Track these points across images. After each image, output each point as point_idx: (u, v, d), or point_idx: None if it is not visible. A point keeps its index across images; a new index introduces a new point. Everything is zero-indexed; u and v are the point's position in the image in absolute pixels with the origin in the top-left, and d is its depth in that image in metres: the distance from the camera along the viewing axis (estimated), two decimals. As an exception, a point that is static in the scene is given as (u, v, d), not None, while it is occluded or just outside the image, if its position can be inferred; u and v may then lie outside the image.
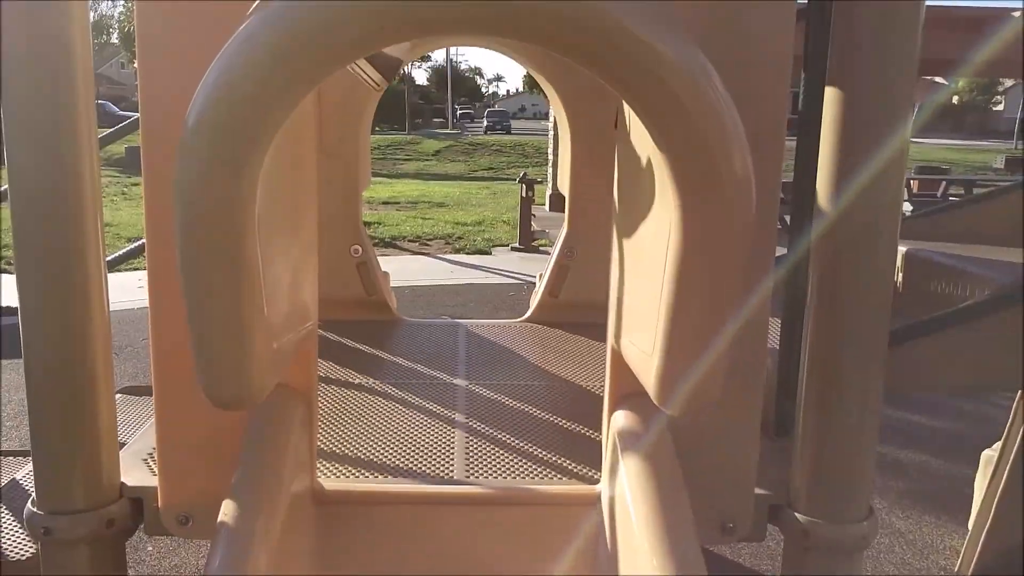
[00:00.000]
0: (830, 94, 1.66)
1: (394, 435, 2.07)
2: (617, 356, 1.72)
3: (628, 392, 1.71)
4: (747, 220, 1.24)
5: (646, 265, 1.42)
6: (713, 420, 1.70)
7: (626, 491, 1.58)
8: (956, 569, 3.21)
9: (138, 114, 3.14)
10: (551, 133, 7.65)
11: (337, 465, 1.92)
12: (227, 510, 1.48)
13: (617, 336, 1.71)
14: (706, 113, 1.15)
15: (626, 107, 1.59)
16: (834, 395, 1.68)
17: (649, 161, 1.39)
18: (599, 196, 2.82)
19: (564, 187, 3.11)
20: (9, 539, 1.92)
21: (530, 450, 1.95)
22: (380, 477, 1.86)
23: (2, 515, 2.05)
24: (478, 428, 2.15)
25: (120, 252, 2.89)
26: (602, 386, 2.40)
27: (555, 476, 1.88)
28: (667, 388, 1.34)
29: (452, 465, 1.94)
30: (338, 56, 1.12)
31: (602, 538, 1.67)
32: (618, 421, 1.70)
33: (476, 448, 2.05)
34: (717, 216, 1.21)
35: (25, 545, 1.89)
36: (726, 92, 1.15)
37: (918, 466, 4.16)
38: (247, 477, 1.53)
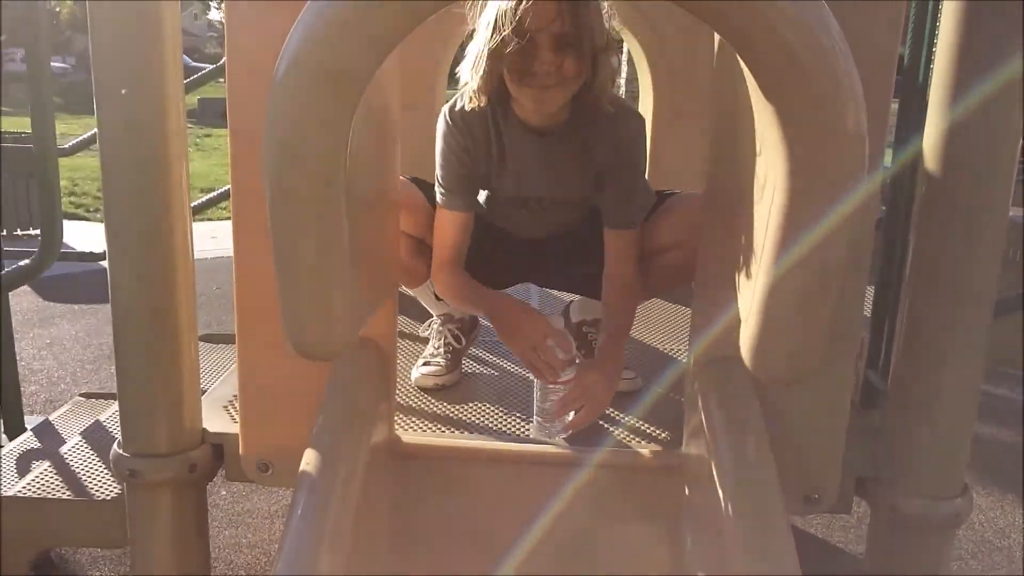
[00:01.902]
0: (941, 55, 1.57)
1: (472, 392, 2.05)
2: (704, 317, 1.67)
3: (714, 356, 1.66)
4: (856, 178, 1.18)
5: (744, 221, 1.36)
6: (803, 387, 1.64)
7: (710, 458, 1.54)
8: (1039, 549, 3.11)
9: (212, 66, 3.15)
10: (623, 90, 7.50)
11: (415, 419, 1.91)
12: (308, 459, 1.48)
13: (706, 296, 1.66)
14: (820, 65, 1.09)
15: (720, 54, 1.52)
16: (933, 366, 1.61)
17: (750, 114, 1.33)
18: (681, 152, 2.75)
19: None
20: (94, 479, 1.98)
21: (609, 412, 1.91)
22: (457, 433, 1.85)
23: (88, 455, 2.10)
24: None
25: (200, 200, 2.92)
26: (682, 349, 2.35)
27: (634, 439, 1.85)
28: (762, 354, 1.29)
29: (530, 425, 1.92)
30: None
31: (684, 506, 1.64)
32: (703, 385, 1.65)
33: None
34: (826, 173, 1.14)
35: (110, 485, 1.94)
36: (845, 45, 1.08)
37: (1003, 442, 4.03)
38: (328, 427, 1.53)
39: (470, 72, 1.75)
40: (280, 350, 1.66)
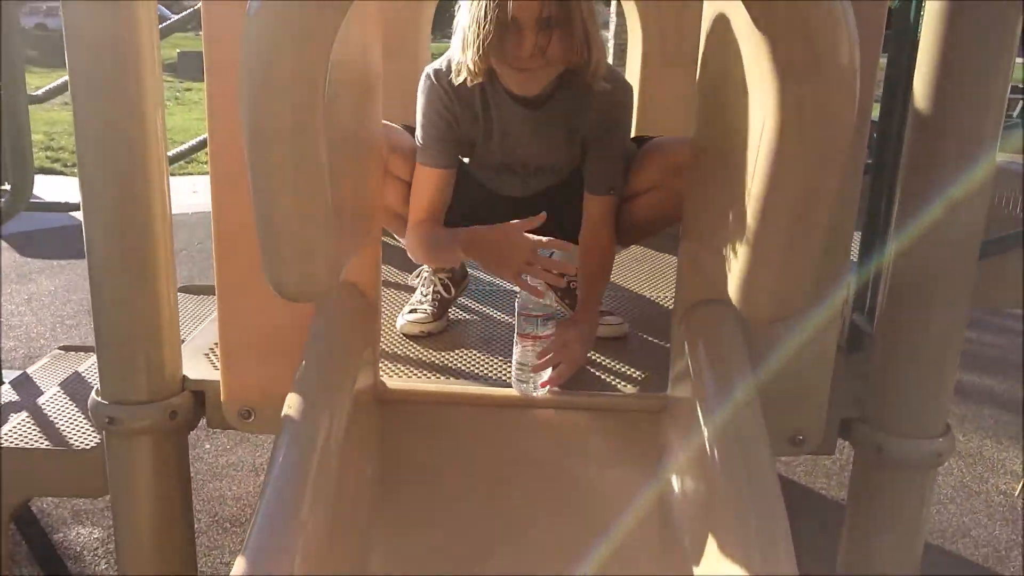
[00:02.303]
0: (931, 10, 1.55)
1: (457, 339, 2.04)
2: (690, 261, 1.66)
3: (700, 299, 1.65)
4: (848, 113, 1.16)
5: (732, 162, 1.34)
6: (789, 327, 1.63)
7: (695, 399, 1.53)
8: (1016, 492, 3.15)
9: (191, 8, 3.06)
10: (611, 43, 7.42)
11: (400, 366, 1.90)
12: (291, 403, 1.46)
13: (693, 239, 1.64)
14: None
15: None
16: (919, 308, 1.60)
17: (740, 59, 1.30)
18: (670, 100, 2.72)
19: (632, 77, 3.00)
20: (73, 429, 1.95)
21: (593, 357, 1.90)
22: (442, 379, 1.84)
23: (66, 405, 2.07)
24: (539, 334, 2.11)
25: (179, 149, 2.86)
26: (668, 297, 2.34)
27: (619, 383, 1.84)
28: (750, 293, 1.28)
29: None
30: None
31: (668, 448, 1.64)
32: (688, 328, 1.64)
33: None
34: (817, 106, 1.12)
35: (89, 435, 1.91)
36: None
37: (983, 389, 4.08)
38: (311, 371, 1.51)
39: (460, 52, 1.75)
40: (260, 295, 1.63)
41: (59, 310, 4.68)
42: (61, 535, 2.81)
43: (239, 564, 1.24)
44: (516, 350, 1.70)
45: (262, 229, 1.27)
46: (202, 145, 3.13)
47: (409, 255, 1.99)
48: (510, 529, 1.59)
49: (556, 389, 1.71)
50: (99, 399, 1.66)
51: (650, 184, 1.87)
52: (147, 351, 1.67)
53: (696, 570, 1.39)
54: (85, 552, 2.73)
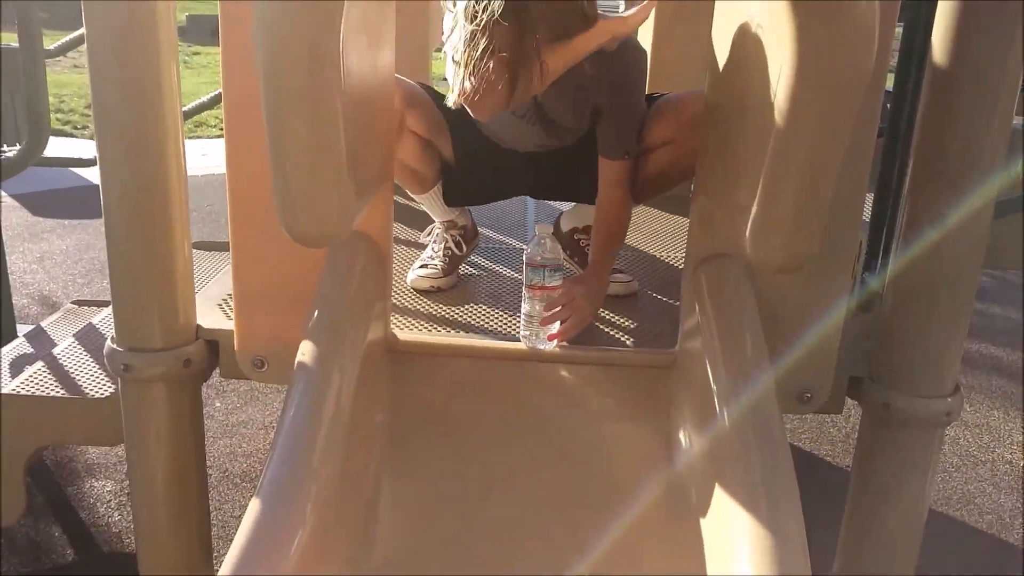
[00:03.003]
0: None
1: (466, 294, 2.05)
2: (702, 216, 1.66)
3: (710, 254, 1.66)
4: (865, 58, 1.16)
5: (747, 115, 1.34)
6: (799, 283, 1.64)
7: (704, 354, 1.54)
8: (1023, 462, 3.16)
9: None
10: (621, 7, 7.30)
11: (410, 319, 1.91)
12: (304, 352, 1.48)
13: (706, 193, 1.64)
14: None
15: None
16: (931, 267, 1.60)
17: (757, 6, 1.30)
18: (682, 55, 2.71)
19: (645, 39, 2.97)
20: (88, 378, 1.97)
21: (603, 314, 1.91)
22: (451, 332, 1.85)
23: (81, 356, 2.10)
24: (549, 291, 2.12)
25: (192, 105, 2.87)
26: (675, 256, 2.35)
27: (628, 339, 1.85)
28: (763, 242, 1.29)
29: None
30: None
31: (677, 403, 1.65)
32: (699, 282, 1.65)
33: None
34: (835, 49, 1.12)
35: (104, 385, 1.94)
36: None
37: (991, 360, 4.08)
38: (323, 321, 1.53)
39: (453, 78, 1.73)
40: (274, 246, 1.66)
41: (71, 268, 4.71)
42: (75, 487, 2.85)
43: (252, 508, 1.27)
44: (524, 302, 1.72)
45: (278, 175, 1.28)
46: (215, 102, 3.13)
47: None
48: (516, 480, 1.61)
49: (564, 344, 1.72)
50: (115, 347, 1.68)
51: (663, 139, 1.86)
52: (161, 300, 1.69)
53: (704, 524, 1.40)
54: (99, 504, 2.77)
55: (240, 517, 2.69)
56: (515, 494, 1.58)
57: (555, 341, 1.72)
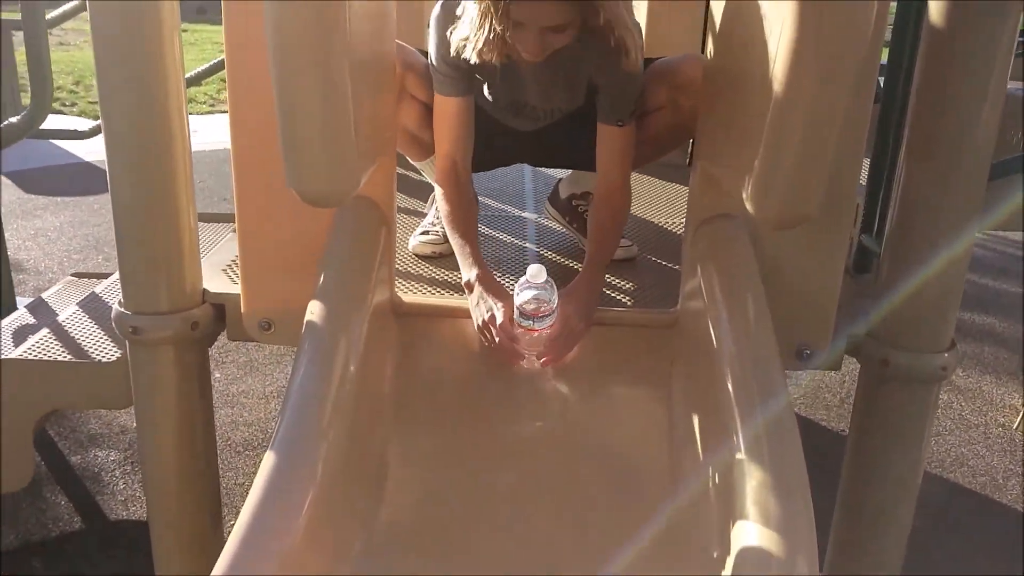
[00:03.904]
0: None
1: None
2: (703, 178, 1.68)
3: (711, 215, 1.68)
4: (864, 22, 1.18)
5: (748, 78, 1.36)
6: (799, 243, 1.66)
7: (706, 313, 1.57)
8: (1015, 425, 3.21)
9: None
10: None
11: (412, 284, 1.93)
12: (313, 311, 1.50)
13: (706, 156, 1.66)
14: None
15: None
16: (928, 225, 1.63)
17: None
18: (678, 29, 2.72)
19: (640, 11, 2.97)
20: (94, 344, 1.99)
21: (606, 278, 1.93)
22: (454, 295, 1.87)
23: (86, 322, 2.11)
24: (549, 257, 2.14)
25: (195, 71, 2.87)
26: (673, 223, 2.37)
27: (628, 300, 1.87)
28: (765, 197, 1.31)
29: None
30: None
31: (678, 362, 1.67)
32: (699, 243, 1.67)
33: (550, 273, 2.04)
34: (835, 16, 1.14)
35: (110, 349, 1.95)
36: None
37: (983, 327, 4.13)
38: (331, 281, 1.55)
39: (460, 38, 1.71)
40: (279, 206, 1.67)
41: (66, 244, 4.71)
42: (79, 457, 2.88)
43: (265, 466, 1.28)
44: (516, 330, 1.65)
45: (286, 138, 1.30)
46: (210, 72, 3.13)
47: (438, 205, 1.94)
48: (520, 439, 1.63)
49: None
50: (122, 310, 1.70)
51: (659, 103, 1.87)
52: (168, 264, 1.71)
53: (709, 489, 1.42)
54: (103, 473, 2.80)
55: (243, 485, 2.75)
56: (519, 453, 1.60)
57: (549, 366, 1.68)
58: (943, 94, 1.59)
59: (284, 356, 3.61)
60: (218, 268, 1.94)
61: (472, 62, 1.73)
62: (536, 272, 1.58)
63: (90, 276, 2.96)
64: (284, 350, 3.66)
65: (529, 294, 1.58)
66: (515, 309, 1.60)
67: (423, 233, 2.11)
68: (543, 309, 1.59)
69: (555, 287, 1.61)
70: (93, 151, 6.02)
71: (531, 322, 1.60)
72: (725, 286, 1.57)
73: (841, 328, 1.74)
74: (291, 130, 1.28)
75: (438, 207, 2.09)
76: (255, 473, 2.78)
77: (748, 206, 1.34)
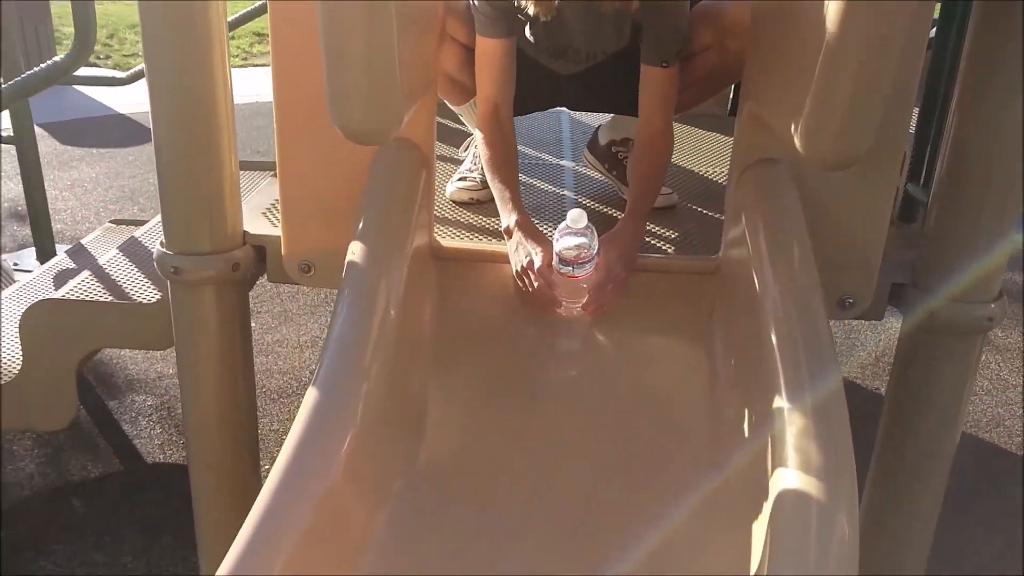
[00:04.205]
0: None
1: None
2: (749, 120, 1.65)
3: (756, 159, 1.65)
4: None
5: (800, 13, 1.32)
6: (845, 189, 1.63)
7: (750, 259, 1.55)
8: (1053, 385, 3.17)
9: None
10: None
11: (449, 229, 1.93)
12: (354, 253, 1.50)
13: (753, 98, 1.63)
14: None
15: None
16: (979, 173, 1.59)
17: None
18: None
19: None
20: (135, 286, 2.01)
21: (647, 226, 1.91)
22: (492, 241, 1.86)
23: (127, 265, 2.13)
24: (588, 204, 2.13)
25: (236, 15, 2.85)
26: (713, 171, 2.34)
27: (668, 247, 1.86)
28: (816, 136, 1.28)
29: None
30: None
31: (718, 307, 1.66)
32: (743, 188, 1.65)
33: (588, 217, 2.02)
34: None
35: (151, 291, 1.97)
36: None
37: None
38: (372, 223, 1.54)
39: None
40: (320, 148, 1.67)
41: (102, 195, 4.75)
42: (117, 402, 2.93)
43: (306, 405, 1.29)
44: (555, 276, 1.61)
45: (333, 75, 1.28)
46: (251, 16, 3.12)
47: (479, 152, 1.93)
48: (557, 384, 1.63)
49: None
50: (164, 251, 1.71)
51: (704, 45, 1.83)
52: (210, 205, 1.71)
53: (745, 431, 1.41)
54: (140, 417, 2.85)
55: (278, 431, 2.78)
56: (556, 398, 1.61)
57: (581, 303, 1.64)
58: (999, 37, 1.54)
59: (318, 307, 3.64)
60: (258, 211, 1.94)
61: (516, 3, 1.70)
62: (577, 217, 1.55)
63: (128, 223, 2.99)
64: (318, 300, 3.68)
65: (570, 240, 1.55)
66: (555, 255, 1.58)
67: (460, 179, 2.10)
68: (583, 255, 1.55)
69: (596, 233, 1.58)
70: (128, 103, 6.04)
71: (571, 268, 1.57)
72: (770, 234, 1.54)
73: (885, 277, 1.71)
74: (336, 66, 1.27)
75: (478, 152, 2.08)
76: (289, 420, 2.83)
77: (798, 146, 1.31)
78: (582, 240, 1.55)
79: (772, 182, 1.62)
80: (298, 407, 2.84)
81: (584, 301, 1.64)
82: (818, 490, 1.16)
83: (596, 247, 1.57)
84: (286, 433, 2.44)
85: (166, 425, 2.80)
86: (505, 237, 1.72)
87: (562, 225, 1.56)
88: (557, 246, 1.56)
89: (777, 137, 1.46)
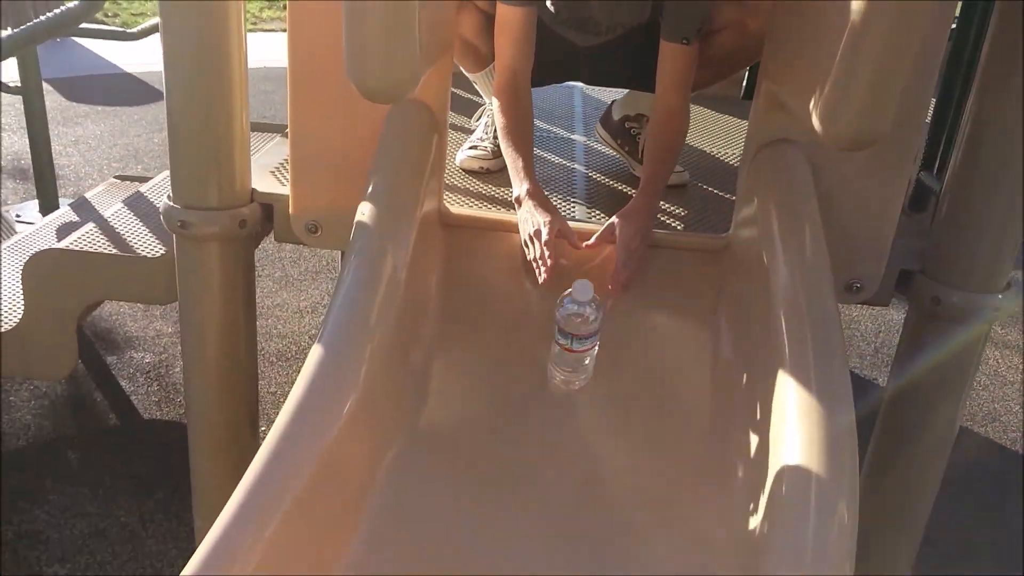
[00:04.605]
0: None
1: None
2: (767, 99, 1.64)
3: (772, 139, 1.64)
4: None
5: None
6: (859, 173, 1.62)
7: (760, 239, 1.54)
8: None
9: None
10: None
11: (458, 197, 1.92)
12: (363, 214, 1.49)
13: (772, 78, 1.62)
14: None
15: None
16: (994, 160, 1.59)
17: None
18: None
19: None
20: (140, 240, 2.00)
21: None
22: (502, 210, 1.85)
23: (131, 220, 2.12)
24: (599, 179, 2.12)
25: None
26: (725, 152, 2.33)
27: (677, 224, 1.85)
28: (837, 118, 1.27)
29: (574, 209, 1.92)
30: None
31: (726, 285, 1.65)
32: (757, 168, 1.64)
33: (598, 193, 2.02)
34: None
35: (156, 246, 1.96)
36: None
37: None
38: (382, 185, 1.53)
39: None
40: (332, 108, 1.65)
41: (106, 152, 4.72)
42: (115, 358, 2.92)
43: (310, 361, 1.28)
44: (554, 351, 1.48)
45: (351, 31, 1.27)
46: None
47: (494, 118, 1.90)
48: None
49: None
50: (172, 204, 1.70)
51: (725, 23, 1.82)
52: (219, 161, 1.70)
53: (748, 408, 1.40)
54: (138, 374, 2.84)
55: (275, 394, 2.78)
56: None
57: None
58: (1020, 34, 1.53)
59: (319, 273, 3.63)
60: (266, 170, 1.93)
61: None
62: (582, 288, 1.41)
63: (132, 179, 2.98)
64: (319, 267, 3.67)
65: (571, 309, 1.41)
66: (556, 324, 1.44)
67: (471, 148, 2.09)
68: (583, 330, 1.41)
69: (601, 307, 1.44)
70: (136, 62, 6.00)
71: (570, 341, 1.44)
72: (782, 215, 1.53)
73: (893, 264, 1.71)
74: (355, 21, 1.25)
75: (490, 121, 2.07)
76: (288, 384, 2.83)
77: (817, 126, 1.30)
78: (585, 312, 1.42)
79: (786, 162, 1.61)
80: (297, 371, 2.84)
81: (588, 368, 1.50)
82: (819, 473, 1.14)
83: (599, 320, 1.43)
84: (284, 396, 2.45)
85: (163, 383, 2.80)
86: (516, 205, 1.71)
87: (566, 293, 1.44)
88: (557, 313, 1.44)
89: (794, 117, 1.45)
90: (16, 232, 2.78)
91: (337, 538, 1.24)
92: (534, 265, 1.63)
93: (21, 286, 1.92)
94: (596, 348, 1.48)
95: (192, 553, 0.99)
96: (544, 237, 1.61)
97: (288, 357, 2.99)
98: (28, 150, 3.26)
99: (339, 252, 3.36)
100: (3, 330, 1.93)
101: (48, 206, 2.98)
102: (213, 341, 1.78)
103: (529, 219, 1.66)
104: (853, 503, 1.11)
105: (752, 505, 1.26)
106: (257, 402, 1.99)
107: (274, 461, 1.15)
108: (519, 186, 1.71)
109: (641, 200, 1.73)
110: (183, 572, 0.97)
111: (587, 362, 1.49)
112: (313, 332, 3.15)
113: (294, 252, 3.77)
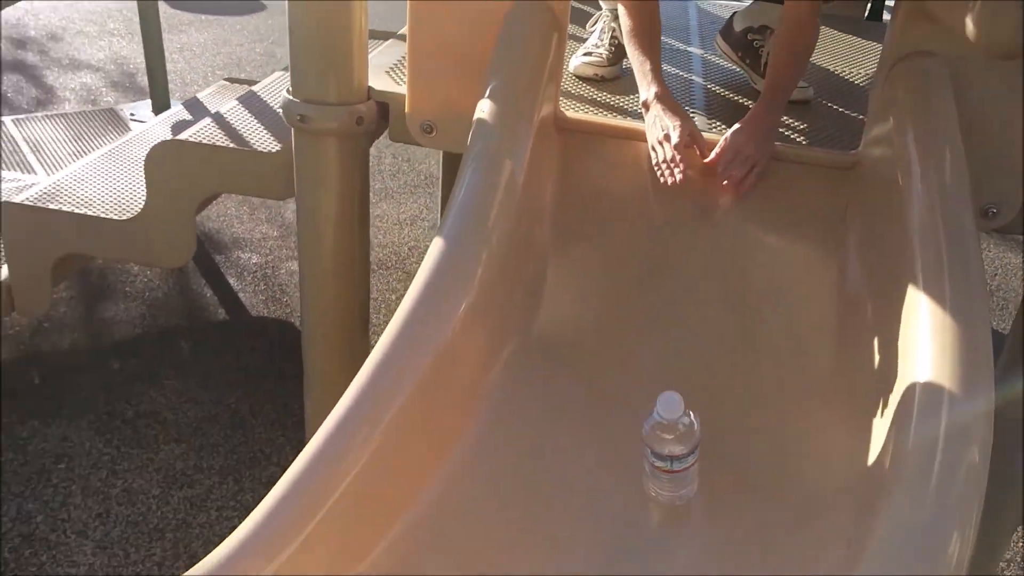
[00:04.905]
0: None
1: (629, 86, 1.98)
2: (907, 8, 1.54)
3: (912, 51, 1.55)
4: None
5: None
6: (1002, 90, 1.52)
7: (894, 156, 1.47)
8: None
9: None
10: None
11: (572, 103, 1.88)
12: (483, 112, 1.47)
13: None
14: None
15: None
16: None
17: None
18: None
19: None
20: (255, 136, 2.02)
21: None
22: (616, 117, 1.81)
23: (246, 116, 2.14)
24: (718, 91, 2.05)
25: None
26: (850, 72, 2.23)
27: (802, 140, 1.78)
28: (993, 22, 1.19)
29: (693, 119, 1.87)
30: None
31: (854, 203, 1.59)
32: (894, 82, 1.56)
33: (717, 105, 1.96)
34: None
35: (271, 141, 1.98)
36: None
37: None
38: (500, 86, 1.51)
39: None
40: (451, 8, 1.63)
41: (210, 60, 4.79)
42: (223, 257, 3.01)
43: (428, 259, 1.28)
44: (647, 467, 1.23)
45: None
46: None
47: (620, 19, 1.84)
48: (677, 265, 1.59)
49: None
50: (291, 98, 1.71)
51: None
52: (338, 57, 1.69)
53: (876, 331, 1.36)
54: (245, 273, 2.92)
55: (377, 300, 2.82)
56: (678, 278, 1.57)
57: (688, 491, 1.24)
58: None
59: (417, 187, 3.64)
60: (381, 70, 1.92)
61: None
62: (668, 403, 1.17)
63: (242, 82, 3.01)
64: (417, 181, 3.69)
65: (661, 426, 1.18)
66: (646, 441, 1.20)
67: (586, 54, 2.04)
68: (678, 449, 1.18)
69: (696, 421, 1.19)
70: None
71: (668, 463, 1.19)
72: (920, 134, 1.45)
73: (1032, 190, 1.62)
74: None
75: (605, 27, 2.01)
76: (389, 291, 2.87)
77: (970, 33, 1.23)
78: (679, 429, 1.18)
79: (926, 77, 1.52)
80: (397, 280, 2.89)
81: (693, 478, 1.23)
82: (950, 412, 1.06)
83: (697, 430, 1.19)
84: (384, 303, 2.48)
85: (270, 283, 2.87)
86: (643, 110, 1.66)
87: (653, 410, 1.19)
88: (645, 429, 1.20)
89: (938, 27, 1.36)
90: (131, 130, 2.86)
91: (443, 441, 1.25)
92: (661, 169, 1.58)
93: (144, 177, 1.97)
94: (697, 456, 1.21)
95: (300, 442, 1.01)
96: (675, 140, 1.57)
97: (388, 266, 3.02)
98: (134, 55, 3.32)
99: (436, 166, 3.36)
100: (125, 218, 2.00)
101: (160, 106, 3.04)
102: (329, 235, 1.81)
103: (658, 123, 1.61)
104: (985, 451, 1.03)
105: (874, 423, 1.23)
106: (368, 297, 2.02)
107: (392, 355, 1.16)
108: (647, 90, 1.66)
109: (762, 107, 1.67)
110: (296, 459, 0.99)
111: (692, 476, 1.23)
112: (412, 244, 3.17)
113: (393, 166, 3.79)
